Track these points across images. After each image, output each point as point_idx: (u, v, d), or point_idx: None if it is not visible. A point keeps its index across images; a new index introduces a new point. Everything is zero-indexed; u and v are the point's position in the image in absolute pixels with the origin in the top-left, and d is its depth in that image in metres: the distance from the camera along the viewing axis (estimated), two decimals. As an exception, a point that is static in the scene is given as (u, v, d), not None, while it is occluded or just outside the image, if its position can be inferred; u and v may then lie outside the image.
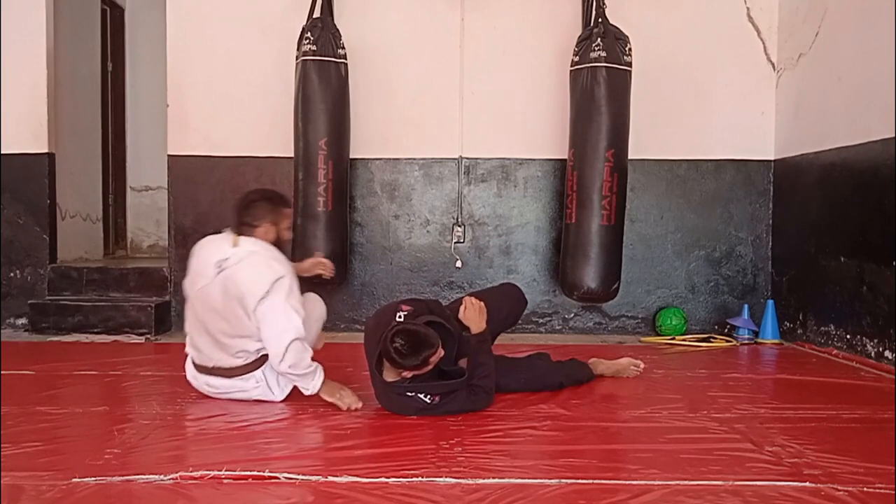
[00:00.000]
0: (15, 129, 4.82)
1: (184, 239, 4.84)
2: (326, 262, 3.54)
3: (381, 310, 3.05)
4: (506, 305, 3.24)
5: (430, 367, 2.73)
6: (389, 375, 2.78)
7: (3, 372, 3.44)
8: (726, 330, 4.72)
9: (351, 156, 4.60)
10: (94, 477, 2.13)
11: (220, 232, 2.96)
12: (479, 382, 2.85)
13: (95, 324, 4.64)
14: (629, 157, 4.41)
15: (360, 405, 2.87)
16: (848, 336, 4.04)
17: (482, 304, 2.97)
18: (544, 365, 3.31)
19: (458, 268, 4.81)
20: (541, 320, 4.84)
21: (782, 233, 4.75)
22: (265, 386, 2.95)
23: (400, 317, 2.80)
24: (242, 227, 2.90)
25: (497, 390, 2.97)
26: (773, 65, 4.78)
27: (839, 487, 2.09)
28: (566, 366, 3.35)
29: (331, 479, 2.13)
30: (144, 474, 2.15)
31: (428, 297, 4.46)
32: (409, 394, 2.75)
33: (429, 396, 2.75)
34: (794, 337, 4.52)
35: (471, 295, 3.08)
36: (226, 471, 2.15)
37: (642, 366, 3.54)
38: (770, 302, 4.60)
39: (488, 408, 2.87)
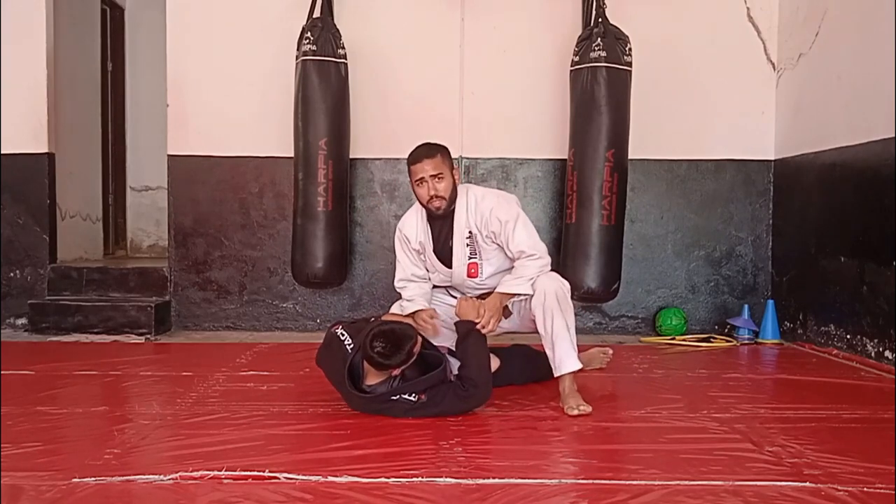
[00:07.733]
0: (15, 129, 4.81)
1: (184, 239, 4.85)
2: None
3: (324, 342, 2.97)
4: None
5: (415, 356, 2.73)
6: (373, 378, 2.77)
7: (3, 372, 3.45)
8: (726, 330, 4.71)
9: (351, 156, 4.60)
10: (94, 477, 2.13)
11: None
12: (470, 374, 2.78)
13: (95, 324, 4.64)
14: (629, 157, 4.41)
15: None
16: (848, 336, 4.04)
17: (476, 300, 2.95)
18: (531, 352, 3.32)
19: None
20: (541, 320, 4.83)
21: (782, 233, 4.75)
22: None
23: (342, 335, 2.82)
24: None
25: (496, 381, 2.95)
26: (773, 65, 4.78)
27: (839, 487, 2.09)
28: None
29: (331, 479, 2.12)
30: (144, 474, 2.15)
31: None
32: (394, 398, 2.73)
33: (413, 395, 2.73)
34: (795, 337, 4.52)
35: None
36: (226, 471, 2.15)
37: (610, 352, 3.67)
38: (770, 302, 4.60)
39: (486, 404, 2.85)
